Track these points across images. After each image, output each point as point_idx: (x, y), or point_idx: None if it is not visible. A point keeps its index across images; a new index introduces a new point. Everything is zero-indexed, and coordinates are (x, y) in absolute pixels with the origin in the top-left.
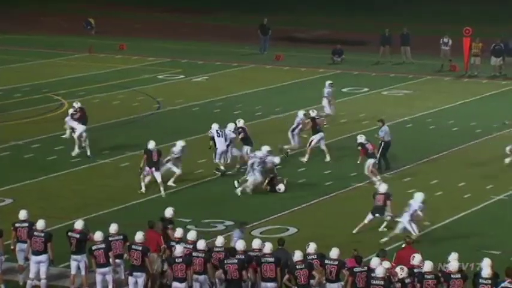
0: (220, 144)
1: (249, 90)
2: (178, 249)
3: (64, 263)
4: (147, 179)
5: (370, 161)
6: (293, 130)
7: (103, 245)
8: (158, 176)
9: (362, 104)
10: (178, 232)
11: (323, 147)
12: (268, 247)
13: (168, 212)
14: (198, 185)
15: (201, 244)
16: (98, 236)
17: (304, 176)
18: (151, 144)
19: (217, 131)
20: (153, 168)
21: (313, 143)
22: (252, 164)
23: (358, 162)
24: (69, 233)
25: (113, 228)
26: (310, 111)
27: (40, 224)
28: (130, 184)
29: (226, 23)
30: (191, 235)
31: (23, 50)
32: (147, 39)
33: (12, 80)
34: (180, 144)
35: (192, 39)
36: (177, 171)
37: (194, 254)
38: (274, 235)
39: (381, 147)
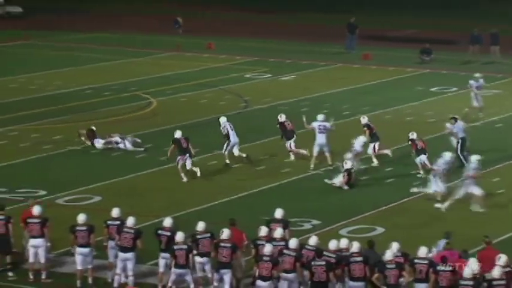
0: (234, 137)
1: (337, 89)
2: (268, 248)
3: (152, 261)
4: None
5: (423, 157)
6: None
7: (185, 246)
8: (189, 163)
9: (451, 103)
10: (263, 230)
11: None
12: (356, 246)
13: (279, 213)
14: (284, 184)
15: (294, 243)
16: (180, 237)
17: (392, 175)
18: (178, 134)
19: (229, 125)
20: (185, 155)
21: (376, 149)
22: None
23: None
24: (159, 231)
25: (201, 226)
26: (361, 118)
27: (130, 221)
28: (218, 182)
29: (314, 22)
30: (278, 233)
31: (112, 49)
32: (235, 38)
33: (102, 78)
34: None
35: (279, 38)
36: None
37: (285, 252)
38: (361, 235)
39: (459, 144)
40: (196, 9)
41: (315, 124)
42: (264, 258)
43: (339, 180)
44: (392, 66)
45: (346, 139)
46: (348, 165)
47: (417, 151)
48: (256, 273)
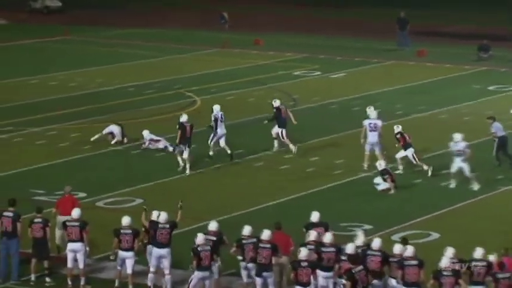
0: (221, 129)
1: (390, 88)
2: (303, 253)
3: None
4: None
5: (411, 150)
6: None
7: (208, 247)
8: (186, 154)
9: (510, 102)
10: (313, 235)
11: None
12: (410, 250)
13: (316, 216)
14: (335, 187)
15: (377, 243)
16: (201, 239)
17: (447, 178)
18: (184, 117)
19: (221, 115)
20: (185, 146)
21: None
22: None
23: (396, 145)
24: (205, 236)
25: (247, 230)
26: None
27: (163, 216)
28: (266, 184)
29: (366, 17)
30: (328, 238)
31: (155, 45)
32: (284, 34)
33: (144, 75)
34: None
35: (330, 34)
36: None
37: (370, 252)
38: (415, 240)
39: (496, 144)
40: (243, 4)
41: (365, 122)
42: (302, 263)
43: (385, 185)
44: (448, 64)
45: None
46: (382, 166)
47: (406, 145)
48: (293, 279)
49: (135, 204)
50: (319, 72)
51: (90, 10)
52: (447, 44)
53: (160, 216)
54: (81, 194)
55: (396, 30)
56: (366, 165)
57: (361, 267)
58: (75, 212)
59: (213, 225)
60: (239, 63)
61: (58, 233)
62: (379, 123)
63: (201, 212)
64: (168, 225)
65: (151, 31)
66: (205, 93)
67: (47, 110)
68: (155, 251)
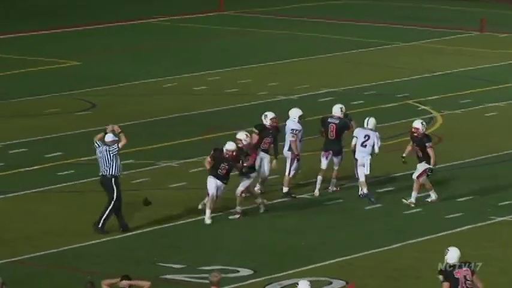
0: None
1: None
2: None
3: None
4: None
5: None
6: None
7: None
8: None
9: None
10: None
11: None
12: None
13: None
14: None
15: None
16: None
17: None
18: (231, 145)
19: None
20: (218, 182)
21: None
22: None
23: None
24: None
25: None
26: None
27: None
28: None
29: None
30: None
31: (369, 27)
32: None
33: (349, 76)
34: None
35: None
36: None
37: None
38: None
39: None
40: None
41: None
42: None
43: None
44: None
45: None
46: None
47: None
48: None
49: None
50: None
51: None
52: None
53: None
54: (244, 271)
55: None
56: None
57: None
58: None
59: None
60: (509, 56)
61: None
62: None
63: None
64: None
65: (366, 2)
66: (450, 106)
67: (194, 131)
68: None
